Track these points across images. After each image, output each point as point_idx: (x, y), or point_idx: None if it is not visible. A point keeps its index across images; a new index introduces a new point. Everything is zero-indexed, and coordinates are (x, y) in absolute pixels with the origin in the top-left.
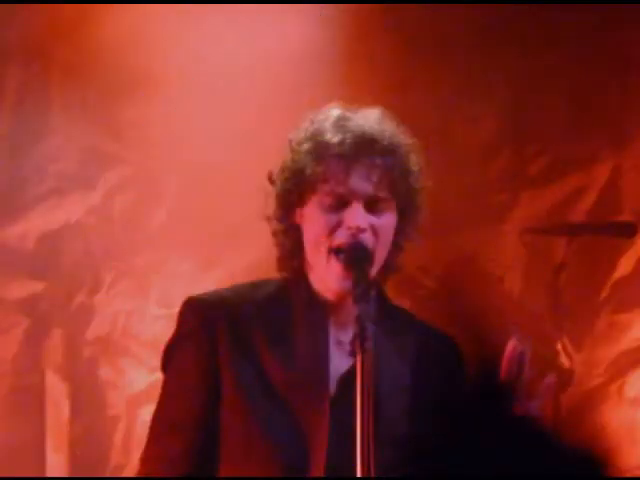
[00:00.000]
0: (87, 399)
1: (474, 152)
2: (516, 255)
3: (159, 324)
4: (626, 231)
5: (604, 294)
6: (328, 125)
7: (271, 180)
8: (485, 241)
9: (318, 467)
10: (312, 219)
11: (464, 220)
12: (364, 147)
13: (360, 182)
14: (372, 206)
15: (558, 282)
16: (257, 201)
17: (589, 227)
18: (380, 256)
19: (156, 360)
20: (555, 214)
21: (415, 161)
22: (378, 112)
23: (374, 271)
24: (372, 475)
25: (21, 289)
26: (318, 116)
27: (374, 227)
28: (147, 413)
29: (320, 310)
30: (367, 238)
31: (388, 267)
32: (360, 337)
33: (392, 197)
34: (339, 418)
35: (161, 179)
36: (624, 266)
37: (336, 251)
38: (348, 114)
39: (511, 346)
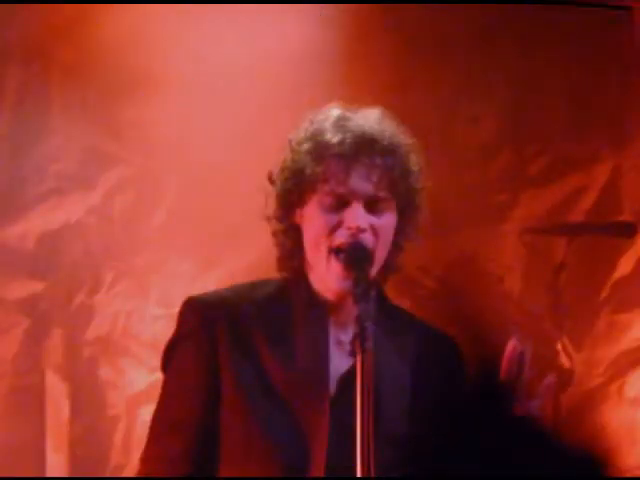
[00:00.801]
0: (87, 399)
1: (474, 152)
2: (516, 255)
3: (159, 324)
4: (626, 231)
5: (604, 294)
6: (328, 125)
7: (271, 180)
8: (485, 241)
9: (318, 467)
10: (312, 219)
11: (464, 220)
12: (364, 147)
13: (360, 182)
14: (372, 206)
15: (558, 282)
16: (257, 201)
17: (589, 227)
18: (380, 256)
19: (156, 360)
20: (555, 214)
21: (415, 161)
22: (378, 112)
23: (374, 271)
24: (372, 475)
25: (21, 289)
26: (318, 116)
27: (374, 227)
28: (147, 413)
29: (320, 310)
30: (367, 238)
31: (388, 267)
32: (360, 337)
33: (392, 197)
34: (339, 418)
35: (161, 179)
36: (624, 266)
37: (336, 251)
38: (348, 114)
39: (511, 346)
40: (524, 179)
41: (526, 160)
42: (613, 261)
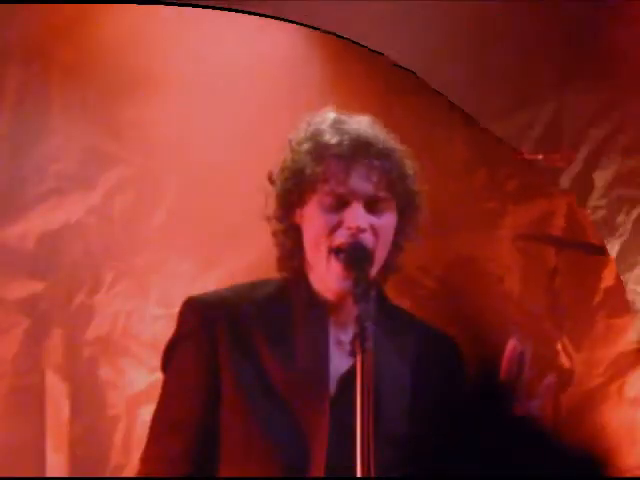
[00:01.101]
0: (87, 399)
1: (458, 165)
2: (514, 256)
3: (159, 324)
4: (598, 252)
5: (597, 299)
6: (326, 127)
7: (271, 180)
8: (485, 241)
9: (318, 467)
10: (312, 219)
11: (463, 221)
12: (361, 149)
13: (360, 182)
14: (372, 206)
15: (554, 284)
16: (257, 201)
17: (568, 243)
18: (380, 256)
19: (156, 360)
20: (538, 226)
21: (410, 165)
22: (369, 119)
23: (374, 271)
24: (372, 475)
25: (21, 289)
26: (315, 118)
27: (374, 227)
28: (147, 413)
29: (320, 310)
30: (367, 238)
31: (388, 267)
32: (360, 337)
33: (392, 197)
34: (339, 418)
35: (161, 179)
36: (608, 278)
37: (336, 251)
38: (343, 117)
39: (511, 346)
40: (503, 194)
41: (501, 181)
42: (598, 272)
